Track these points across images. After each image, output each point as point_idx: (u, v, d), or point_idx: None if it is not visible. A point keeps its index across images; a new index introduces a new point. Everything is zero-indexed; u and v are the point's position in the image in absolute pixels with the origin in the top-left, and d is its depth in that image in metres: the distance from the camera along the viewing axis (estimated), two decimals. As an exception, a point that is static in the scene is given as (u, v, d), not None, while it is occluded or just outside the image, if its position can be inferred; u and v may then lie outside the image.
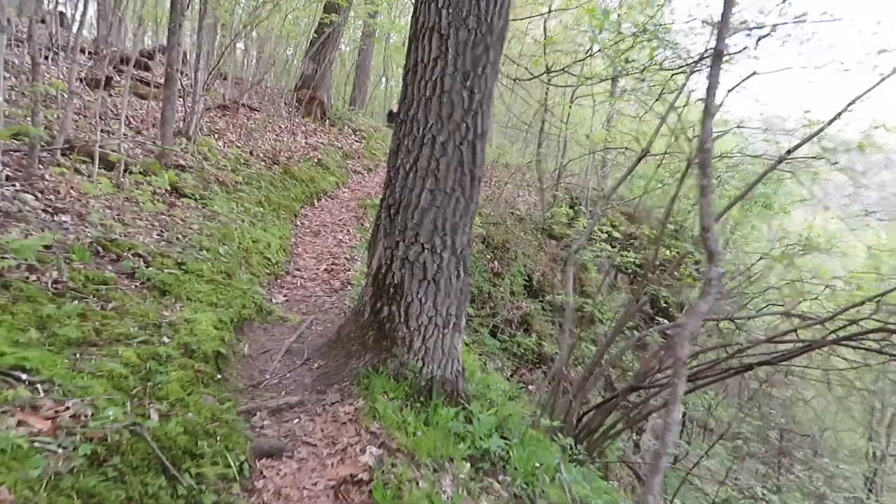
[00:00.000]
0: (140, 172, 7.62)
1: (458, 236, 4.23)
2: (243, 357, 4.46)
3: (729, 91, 6.97)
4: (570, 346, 8.76)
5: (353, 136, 15.99)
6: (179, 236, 5.84)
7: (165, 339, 3.85)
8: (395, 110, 22.82)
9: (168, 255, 5.09)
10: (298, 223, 11.03)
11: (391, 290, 4.21)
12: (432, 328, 4.21)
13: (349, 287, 7.12)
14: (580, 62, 14.26)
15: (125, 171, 7.32)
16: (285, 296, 6.48)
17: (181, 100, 11.68)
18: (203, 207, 7.85)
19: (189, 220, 6.68)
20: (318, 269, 8.46)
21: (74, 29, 11.19)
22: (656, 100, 9.85)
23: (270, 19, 15.89)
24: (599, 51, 11.97)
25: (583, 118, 16.92)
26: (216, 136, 11.98)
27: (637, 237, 17.06)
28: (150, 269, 4.72)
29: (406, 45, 4.43)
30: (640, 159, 8.72)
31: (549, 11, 13.88)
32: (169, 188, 7.75)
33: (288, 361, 4.50)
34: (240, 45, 18.23)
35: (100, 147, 7.55)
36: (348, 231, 11.05)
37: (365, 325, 4.32)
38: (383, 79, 26.00)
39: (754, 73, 6.62)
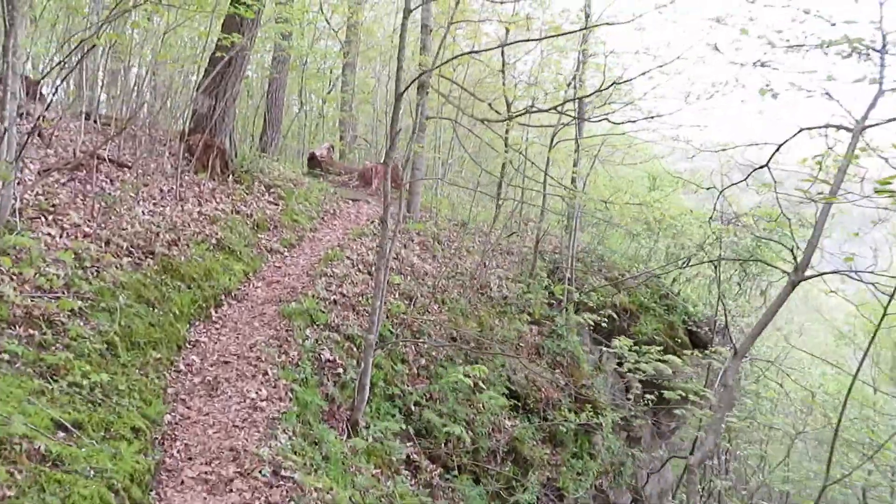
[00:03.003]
0: None
1: None
2: None
3: None
4: None
5: (266, 196, 11.50)
6: None
7: None
8: (318, 153, 18.38)
9: None
10: (182, 363, 6.54)
11: None
12: None
13: None
14: (580, 98, 10.37)
15: None
16: None
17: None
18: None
19: None
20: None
21: None
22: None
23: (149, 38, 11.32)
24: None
25: (566, 164, 13.09)
26: (48, 219, 7.33)
27: (628, 311, 13.35)
28: None
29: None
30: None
31: (542, 38, 10.04)
32: None
33: None
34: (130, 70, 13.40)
35: None
36: (265, 375, 6.62)
37: None
38: (299, 113, 21.45)
39: None
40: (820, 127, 5.12)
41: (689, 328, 13.44)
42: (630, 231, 14.61)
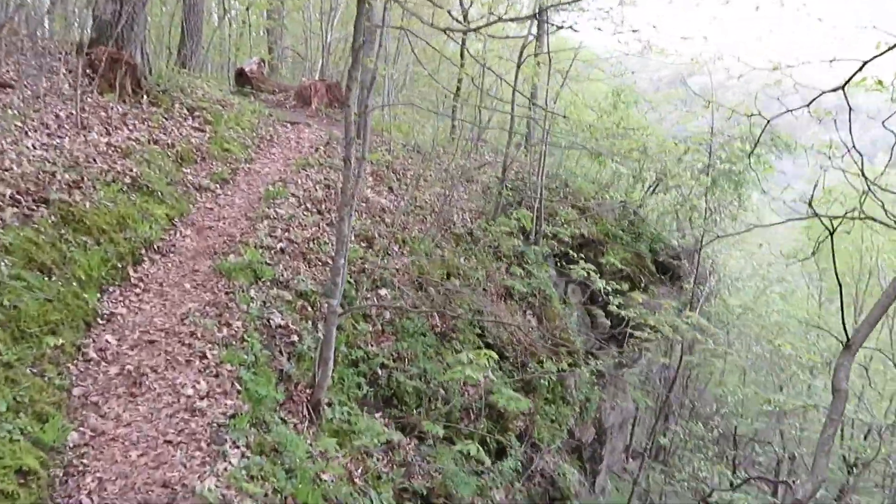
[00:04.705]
0: None
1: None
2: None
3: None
4: None
5: (189, 121, 9.63)
6: None
7: None
8: (247, 69, 16.17)
9: None
10: (93, 348, 5.03)
11: None
12: None
13: None
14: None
15: None
16: None
17: None
18: None
19: None
20: None
21: None
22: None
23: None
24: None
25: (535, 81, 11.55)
26: None
27: (595, 241, 12.32)
28: None
29: None
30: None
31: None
32: None
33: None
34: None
35: None
36: (203, 358, 5.19)
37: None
38: (221, 22, 18.94)
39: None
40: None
41: (659, 258, 12.57)
42: (596, 153, 13.37)
